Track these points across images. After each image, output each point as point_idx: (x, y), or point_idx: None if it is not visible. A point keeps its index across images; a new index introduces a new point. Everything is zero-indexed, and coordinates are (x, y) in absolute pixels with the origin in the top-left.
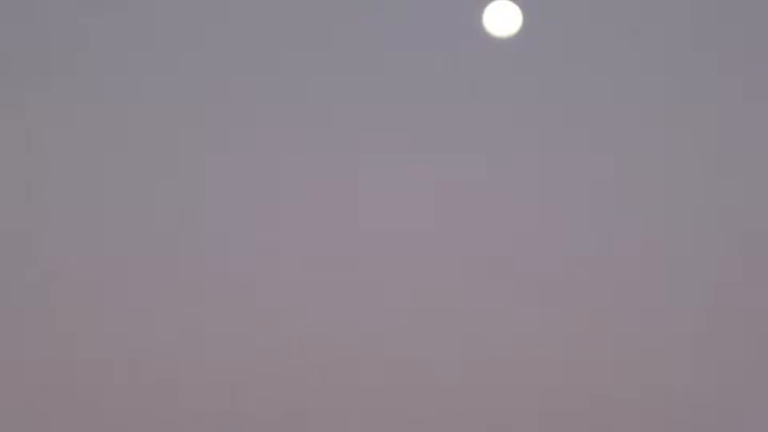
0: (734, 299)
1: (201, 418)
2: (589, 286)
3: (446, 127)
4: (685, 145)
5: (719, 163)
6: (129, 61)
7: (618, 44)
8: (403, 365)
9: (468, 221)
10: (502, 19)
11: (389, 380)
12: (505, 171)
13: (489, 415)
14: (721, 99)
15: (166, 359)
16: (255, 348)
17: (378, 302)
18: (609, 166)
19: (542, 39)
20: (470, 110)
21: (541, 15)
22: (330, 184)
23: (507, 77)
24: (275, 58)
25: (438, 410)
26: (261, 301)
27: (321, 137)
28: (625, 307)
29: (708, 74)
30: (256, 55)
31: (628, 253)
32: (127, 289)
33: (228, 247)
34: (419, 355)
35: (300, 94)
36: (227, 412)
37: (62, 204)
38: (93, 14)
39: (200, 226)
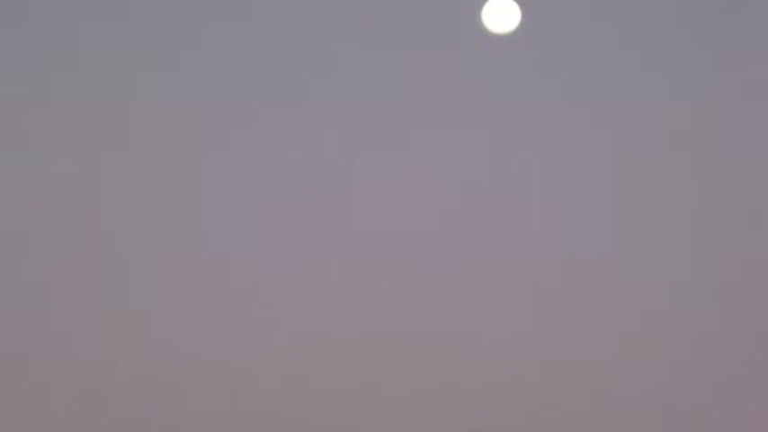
0: (734, 299)
1: (201, 417)
2: (589, 286)
3: (446, 126)
4: (685, 145)
5: (719, 163)
6: (129, 61)
7: (618, 44)
8: (403, 365)
9: (468, 221)
10: (500, 16)
11: (389, 379)
12: (505, 171)
13: (489, 414)
14: (721, 99)
15: (166, 359)
16: (255, 348)
17: (378, 302)
18: (609, 166)
19: (541, 38)
20: (470, 109)
21: (540, 14)
22: (330, 184)
23: (507, 76)
24: (275, 58)
25: (437, 410)
26: (261, 301)
27: (321, 137)
28: (625, 307)
29: (708, 74)
30: (256, 55)
31: (628, 253)
32: (127, 289)
33: (228, 247)
34: (419, 355)
35: (300, 94)
36: (227, 412)
37: (62, 204)
38: (93, 15)
39: (200, 226)
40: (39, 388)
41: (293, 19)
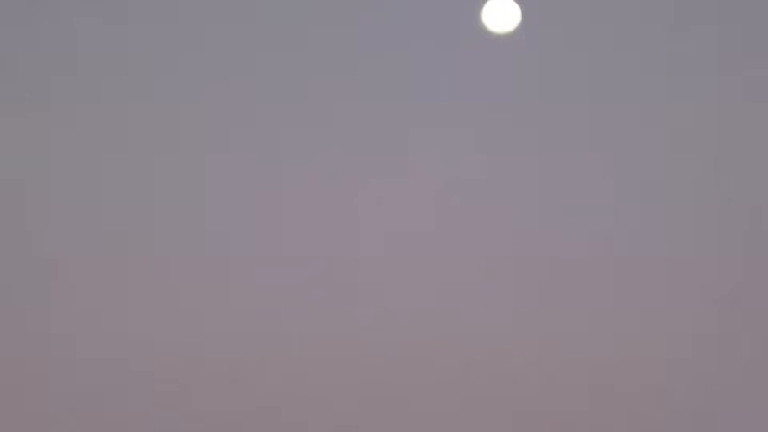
0: (734, 299)
1: (201, 417)
2: (589, 286)
3: (446, 126)
4: (685, 145)
5: (719, 163)
6: (129, 61)
7: (618, 44)
8: (403, 365)
9: (468, 221)
10: (500, 16)
11: (389, 379)
12: (505, 171)
13: (489, 415)
14: (721, 99)
15: (166, 359)
16: (255, 348)
17: (378, 302)
18: (609, 166)
19: (541, 38)
20: (470, 109)
21: (540, 14)
22: (330, 184)
23: (507, 76)
24: (275, 58)
25: (437, 410)
26: (261, 301)
27: (321, 137)
28: (625, 307)
29: (708, 74)
30: (256, 55)
31: (628, 253)
32: (127, 289)
33: (228, 247)
34: (419, 355)
35: (300, 94)
36: (227, 412)
37: (62, 204)
38: (93, 14)
39: (200, 226)
40: (39, 388)
41: (293, 19)
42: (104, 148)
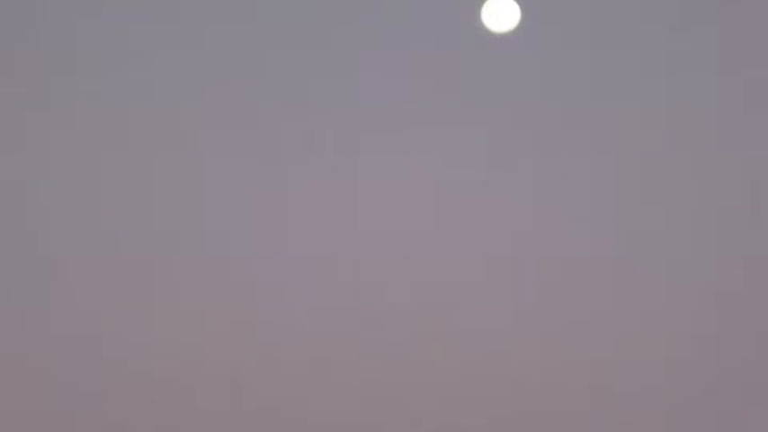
0: (734, 299)
1: (201, 417)
2: (589, 286)
3: (446, 126)
4: (685, 145)
5: (719, 163)
6: (129, 61)
7: (618, 44)
8: (403, 365)
9: (468, 221)
10: (500, 16)
11: (389, 379)
12: (505, 171)
13: (489, 414)
14: (721, 99)
15: (166, 359)
16: (255, 348)
17: (378, 302)
18: (609, 166)
19: (541, 38)
20: (470, 109)
21: (540, 14)
22: (330, 184)
23: (507, 76)
24: (275, 58)
25: (437, 410)
26: (261, 301)
27: (321, 137)
28: (625, 307)
29: (708, 74)
30: (256, 55)
31: (628, 253)
32: (127, 289)
33: (228, 247)
34: (419, 355)
35: (300, 94)
36: (227, 412)
37: (62, 204)
38: (93, 14)
39: (200, 226)
40: (39, 388)
41: (293, 19)
42: (104, 148)
